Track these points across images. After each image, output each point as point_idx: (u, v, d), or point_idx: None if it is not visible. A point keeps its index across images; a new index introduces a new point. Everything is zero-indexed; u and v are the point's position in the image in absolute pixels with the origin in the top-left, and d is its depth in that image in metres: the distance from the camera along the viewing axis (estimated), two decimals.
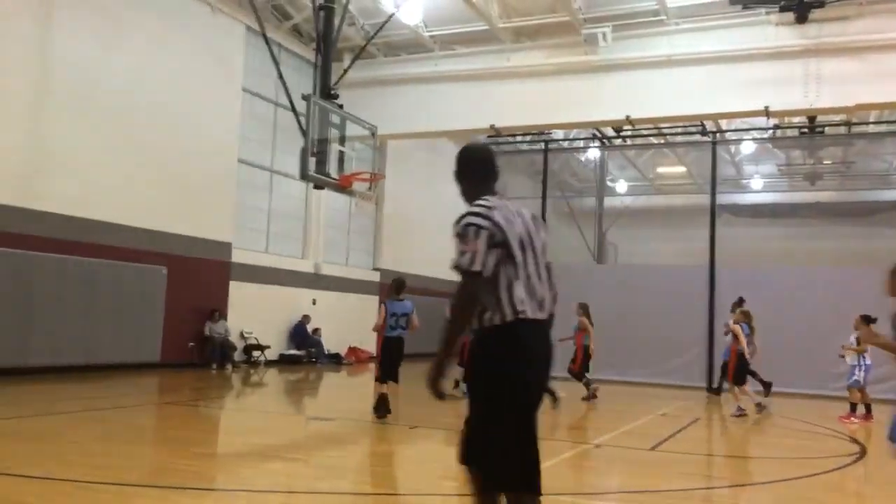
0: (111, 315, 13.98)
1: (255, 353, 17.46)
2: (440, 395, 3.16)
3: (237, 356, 16.92)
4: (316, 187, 14.27)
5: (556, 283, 3.34)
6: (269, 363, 17.71)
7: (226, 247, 16.95)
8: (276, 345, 18.32)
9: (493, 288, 3.09)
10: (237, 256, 17.20)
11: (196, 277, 16.02)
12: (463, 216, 3.14)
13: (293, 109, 13.40)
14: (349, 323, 20.15)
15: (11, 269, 12.31)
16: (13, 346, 12.28)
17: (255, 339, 17.60)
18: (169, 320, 15.27)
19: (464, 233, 3.07)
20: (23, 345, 12.40)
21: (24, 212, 12.64)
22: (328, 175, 12.90)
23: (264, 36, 13.85)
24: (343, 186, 13.28)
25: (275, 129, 18.71)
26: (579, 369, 12.82)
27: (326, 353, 19.29)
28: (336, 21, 13.95)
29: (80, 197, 13.51)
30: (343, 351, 20.14)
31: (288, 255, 19.20)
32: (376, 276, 22.32)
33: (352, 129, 13.81)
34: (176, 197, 15.52)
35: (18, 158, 12.63)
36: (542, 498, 3.20)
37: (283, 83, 13.80)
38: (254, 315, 17.67)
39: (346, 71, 14.91)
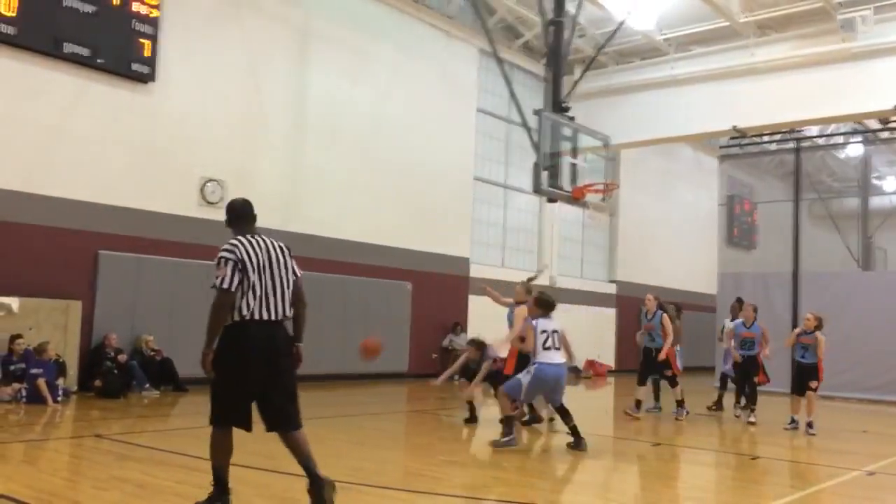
0: (362, 328, 15.00)
1: None
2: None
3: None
4: (549, 200, 14.31)
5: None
6: None
7: (464, 262, 17.54)
8: None
9: None
10: (475, 271, 17.71)
11: (438, 292, 16.73)
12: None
13: (525, 125, 13.58)
14: (586, 336, 19.88)
15: None
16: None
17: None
18: (415, 333, 16.10)
19: None
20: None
21: (287, 234, 14.01)
22: (561, 188, 12.87)
23: (496, 56, 14.21)
24: (576, 198, 13.16)
25: (507, 146, 19.11)
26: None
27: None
28: (566, 34, 13.94)
29: (332, 219, 14.72)
30: (581, 364, 19.92)
31: (522, 268, 19.43)
32: (612, 289, 21.86)
33: (584, 141, 13.67)
34: (417, 215, 16.37)
35: (281, 186, 14.05)
36: None
37: (515, 100, 14.04)
38: (492, 328, 18.02)
39: (576, 83, 14.83)
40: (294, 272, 4.79)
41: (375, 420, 9.87)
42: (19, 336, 10.18)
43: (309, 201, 14.38)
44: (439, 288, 16.79)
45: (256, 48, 13.78)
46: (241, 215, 4.82)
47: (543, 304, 7.99)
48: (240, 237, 4.65)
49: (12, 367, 9.90)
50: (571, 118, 13.59)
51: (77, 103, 11.50)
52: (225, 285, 4.46)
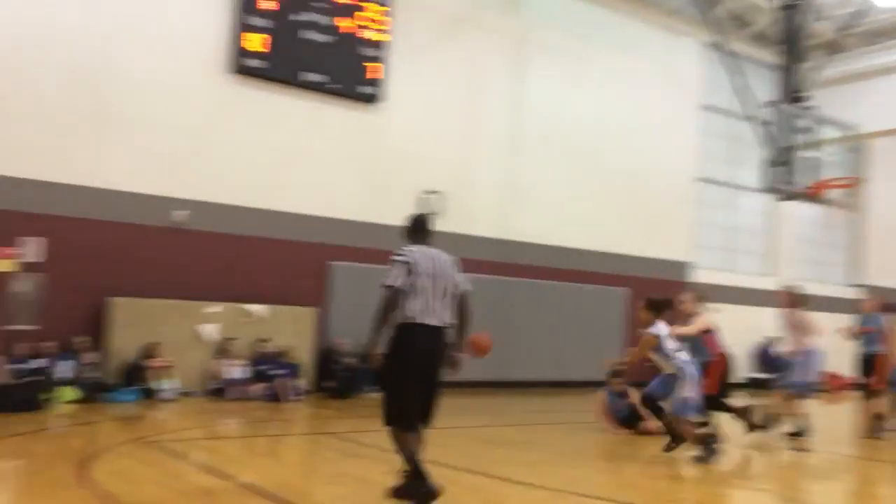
0: (577, 335, 14.81)
1: None
2: None
3: None
4: (785, 198, 13.21)
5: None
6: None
7: (684, 266, 16.71)
8: (741, 368, 17.31)
9: None
10: (697, 276, 16.80)
11: None
12: None
13: (755, 120, 12.66)
14: (825, 345, 18.07)
15: (494, 293, 13.88)
16: (497, 362, 13.77)
17: None
18: (633, 341, 15.55)
19: None
20: (504, 361, 13.83)
21: (504, 242, 14.20)
22: (795, 185, 11.83)
23: (723, 48, 13.41)
24: (814, 196, 12.04)
25: (732, 143, 17.93)
26: None
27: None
28: (802, 18, 12.82)
29: (550, 227, 14.68)
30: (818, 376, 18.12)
31: (750, 272, 18.12)
32: (855, 293, 19.68)
33: (824, 133, 12.48)
34: (635, 220, 15.86)
35: (498, 195, 14.26)
36: None
37: (745, 94, 13.15)
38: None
39: (817, 69, 13.57)
40: (457, 284, 5.01)
41: (590, 428, 9.64)
42: (265, 340, 11.25)
43: (526, 210, 14.47)
44: (657, 294, 16.10)
45: (476, 62, 14.14)
46: (418, 228, 5.17)
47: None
48: (413, 246, 5.01)
49: (258, 369, 10.95)
50: (809, 108, 12.47)
51: (312, 126, 12.49)
52: (392, 282, 4.81)
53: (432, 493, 4.77)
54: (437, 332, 4.87)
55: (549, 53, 14.96)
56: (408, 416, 4.86)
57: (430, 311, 4.84)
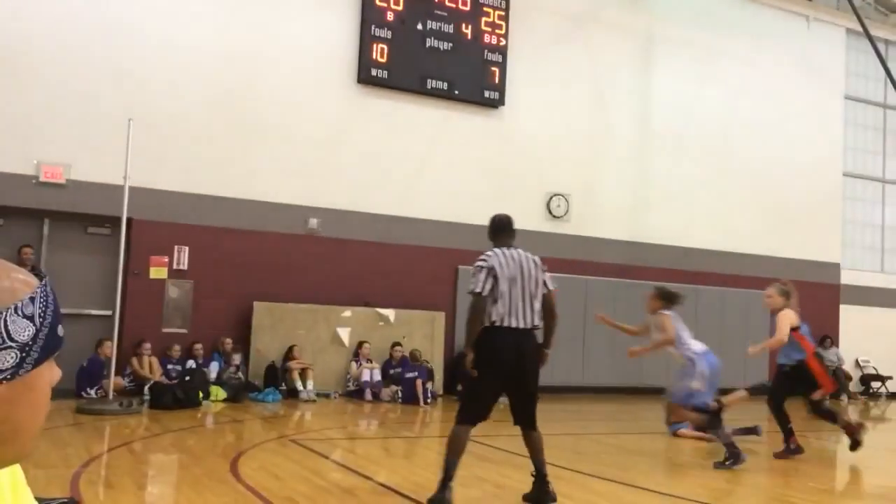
0: (716, 340, 14.17)
1: (875, 384, 15.63)
2: None
3: (853, 387, 15.40)
4: None
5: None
6: (891, 395, 15.65)
7: (833, 268, 15.70)
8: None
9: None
10: (846, 278, 15.77)
11: (801, 302, 15.10)
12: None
13: None
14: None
15: (624, 298, 13.56)
16: (629, 368, 13.43)
17: (874, 368, 15.77)
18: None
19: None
20: (638, 367, 13.44)
21: (633, 244, 13.86)
22: None
23: (868, 35, 12.57)
24: None
25: (884, 135, 16.72)
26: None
27: None
28: None
29: (680, 227, 14.20)
30: None
31: None
32: None
33: None
34: (776, 219, 15.10)
35: (626, 197, 13.95)
36: None
37: (893, 81, 12.25)
38: (870, 342, 15.88)
39: None
40: (545, 286, 5.02)
41: (740, 439, 9.22)
42: (398, 344, 11.50)
43: (656, 210, 14.08)
44: (804, 297, 15.10)
45: (600, 61, 13.94)
46: (500, 229, 5.17)
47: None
48: (496, 249, 5.04)
49: (391, 371, 11.21)
50: None
51: (438, 133, 12.70)
52: (478, 289, 4.87)
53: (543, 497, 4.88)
54: (522, 334, 4.91)
55: (676, 47, 14.53)
56: (475, 413, 4.96)
57: (514, 313, 4.89)
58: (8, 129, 10.09)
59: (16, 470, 1.08)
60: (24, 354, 0.93)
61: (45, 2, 10.39)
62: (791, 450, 7.33)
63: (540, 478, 4.95)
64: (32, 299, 0.96)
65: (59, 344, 0.99)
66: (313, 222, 11.74)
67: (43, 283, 0.99)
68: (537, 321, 4.98)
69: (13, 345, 0.91)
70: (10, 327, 0.91)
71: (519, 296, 4.91)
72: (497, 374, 4.91)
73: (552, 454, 7.03)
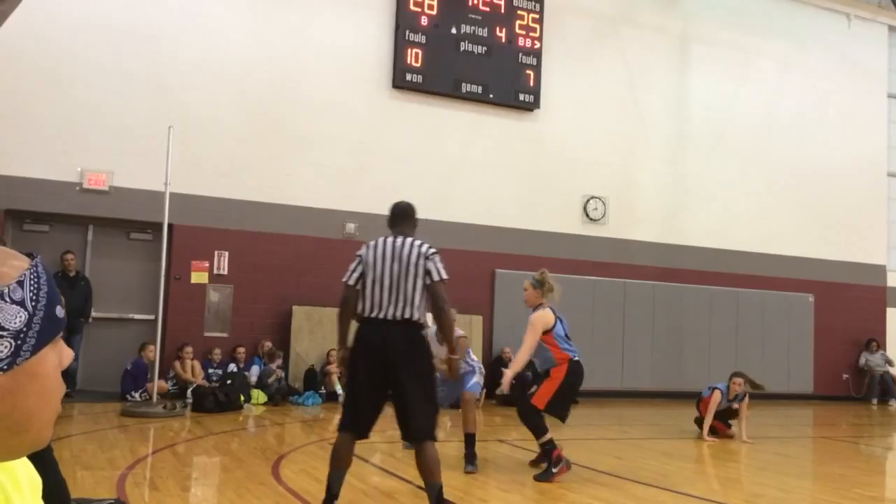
0: (757, 344, 14.00)
1: None
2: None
3: None
4: None
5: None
6: None
7: (879, 270, 15.36)
8: None
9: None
10: (893, 280, 15.41)
11: (846, 304, 14.91)
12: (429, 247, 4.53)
13: None
14: None
15: (662, 300, 13.42)
16: (668, 372, 13.31)
17: None
18: (819, 350, 14.52)
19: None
20: (677, 371, 13.33)
21: (669, 246, 13.71)
22: None
23: None
24: None
25: None
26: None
27: None
28: None
29: (719, 228, 14.02)
30: None
31: None
32: None
33: None
34: (818, 220, 14.84)
35: (663, 198, 13.81)
36: None
37: None
38: None
39: None
40: (429, 275, 4.43)
41: (779, 444, 9.06)
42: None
43: (693, 211, 13.93)
44: (848, 300, 14.93)
45: (634, 62, 13.83)
46: (392, 217, 4.78)
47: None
48: (378, 238, 4.62)
49: None
50: None
51: (473, 137, 12.70)
52: (344, 279, 4.55)
53: None
54: (390, 326, 4.38)
55: (713, 48, 14.39)
56: (351, 419, 4.49)
57: (380, 303, 4.41)
58: (52, 138, 10.33)
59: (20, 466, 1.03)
60: (18, 342, 0.88)
61: (87, 14, 10.62)
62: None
63: (326, 500, 4.40)
64: (21, 283, 0.89)
65: (59, 326, 0.93)
66: (350, 227, 11.81)
67: (33, 263, 0.92)
68: (412, 314, 4.40)
69: (4, 333, 0.87)
70: None
71: (388, 285, 4.41)
72: (363, 370, 4.39)
73: (593, 458, 6.99)
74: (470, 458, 6.45)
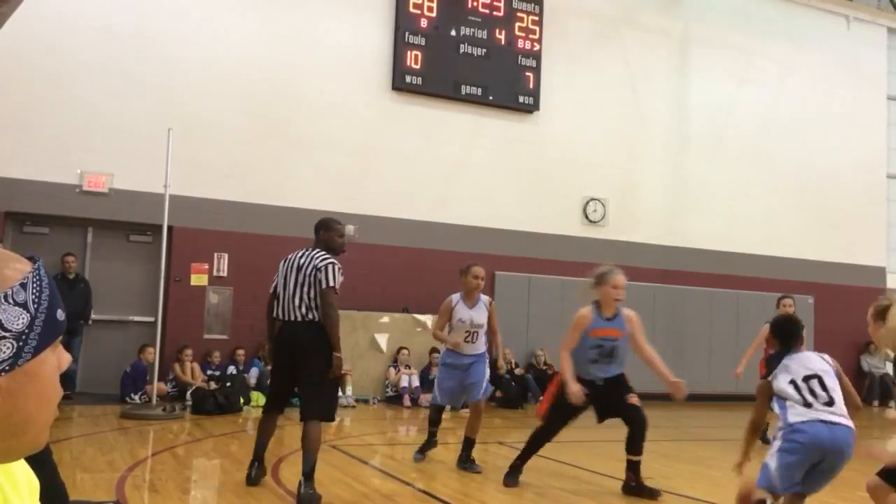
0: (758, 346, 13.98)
1: None
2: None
3: None
4: None
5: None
6: None
7: (878, 272, 15.36)
8: None
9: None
10: (893, 281, 15.40)
11: (845, 306, 14.88)
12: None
13: None
14: None
15: (663, 302, 13.41)
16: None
17: None
18: (819, 351, 14.51)
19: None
20: (677, 373, 13.28)
21: (670, 248, 13.70)
22: None
23: None
24: None
25: None
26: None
27: None
28: None
29: (720, 231, 14.02)
30: None
31: None
32: None
33: None
34: (818, 222, 14.85)
35: (664, 200, 13.81)
36: None
37: None
38: None
39: None
40: (319, 282, 5.21)
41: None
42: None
43: (694, 213, 13.93)
44: (847, 302, 14.90)
45: (635, 64, 13.85)
46: (315, 232, 5.59)
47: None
48: (295, 251, 5.55)
49: (431, 377, 11.18)
50: None
51: (473, 139, 12.71)
52: (271, 289, 5.56)
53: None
54: (296, 326, 5.27)
55: (713, 50, 14.42)
56: (268, 401, 5.76)
57: (284, 307, 5.34)
58: (52, 140, 10.33)
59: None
60: (20, 343, 0.88)
61: (87, 16, 10.63)
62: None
63: (303, 478, 5.03)
64: (24, 285, 0.90)
65: (60, 329, 0.94)
66: (350, 228, 11.79)
67: (35, 266, 0.93)
68: (313, 316, 5.24)
69: (7, 335, 0.87)
70: (1, 317, 0.87)
71: (290, 291, 5.31)
72: (278, 363, 5.52)
73: (594, 462, 6.98)
74: (466, 459, 6.55)
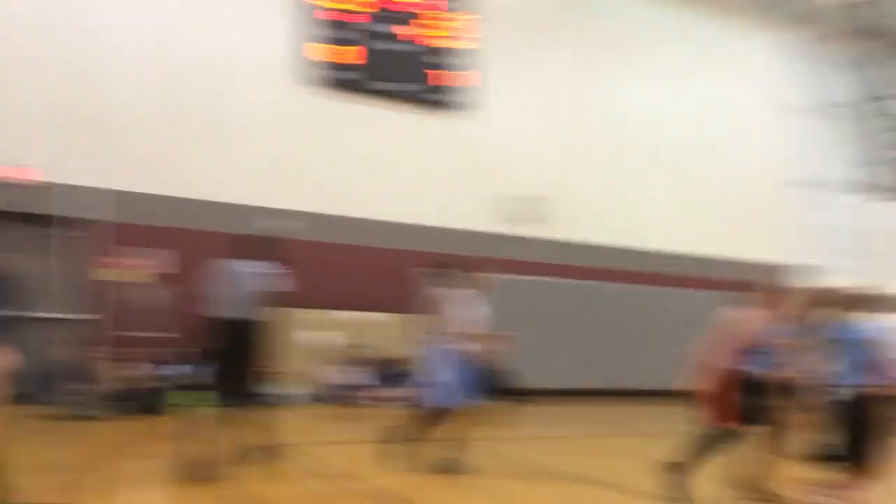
0: (667, 342, 14.48)
1: None
2: None
3: None
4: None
5: None
6: None
7: (777, 271, 16.29)
8: None
9: None
10: (801, 280, 16.34)
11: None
12: None
13: (840, 117, 12.27)
14: None
15: (600, 299, 13.80)
16: (611, 370, 13.47)
17: None
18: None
19: None
20: (619, 369, 13.48)
21: (610, 248, 14.16)
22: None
23: (800, 45, 13.09)
24: None
25: (825, 143, 17.39)
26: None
27: None
28: (883, 12, 12.37)
29: (655, 231, 14.61)
30: None
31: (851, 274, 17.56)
32: None
33: None
34: (725, 223, 15.55)
35: (601, 200, 14.31)
36: None
37: (829, 91, 12.75)
38: None
39: None
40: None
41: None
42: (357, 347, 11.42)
43: (628, 214, 14.49)
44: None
45: (570, 66, 14.22)
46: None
47: None
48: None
49: (384, 374, 11.22)
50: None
51: (408, 136, 12.77)
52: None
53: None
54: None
55: (649, 63, 14.99)
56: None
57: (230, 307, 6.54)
58: None
59: None
60: None
61: (7, 3, 10.22)
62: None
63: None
64: None
65: None
66: (262, 223, 11.61)
67: None
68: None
69: None
70: None
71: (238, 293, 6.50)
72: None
73: (538, 458, 7.03)
74: (446, 463, 6.39)
